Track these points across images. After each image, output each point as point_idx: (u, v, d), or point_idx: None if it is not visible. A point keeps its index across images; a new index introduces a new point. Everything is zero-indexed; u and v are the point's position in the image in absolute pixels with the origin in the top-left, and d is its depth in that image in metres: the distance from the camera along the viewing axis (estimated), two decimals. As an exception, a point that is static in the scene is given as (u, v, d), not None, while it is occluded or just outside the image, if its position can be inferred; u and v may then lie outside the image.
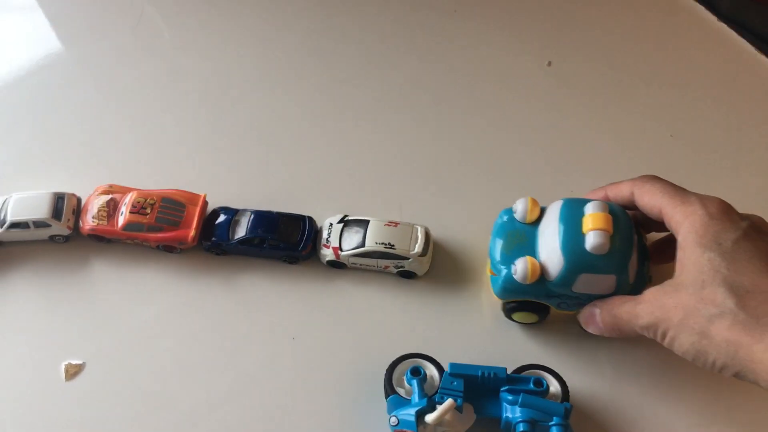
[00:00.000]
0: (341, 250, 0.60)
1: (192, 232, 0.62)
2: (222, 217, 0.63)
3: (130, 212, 0.62)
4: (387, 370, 0.54)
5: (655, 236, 0.57)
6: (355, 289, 0.62)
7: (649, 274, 0.54)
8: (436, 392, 0.51)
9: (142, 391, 0.56)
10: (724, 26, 0.82)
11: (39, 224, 0.62)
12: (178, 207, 0.63)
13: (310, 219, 0.63)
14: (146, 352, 0.58)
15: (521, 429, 0.50)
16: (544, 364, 0.54)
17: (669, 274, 0.49)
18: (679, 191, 0.51)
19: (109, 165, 0.70)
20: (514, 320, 0.58)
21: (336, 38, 0.81)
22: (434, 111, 0.74)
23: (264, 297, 0.61)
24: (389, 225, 0.61)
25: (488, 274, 0.56)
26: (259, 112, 0.74)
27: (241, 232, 0.62)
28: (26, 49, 0.80)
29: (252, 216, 0.62)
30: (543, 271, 0.52)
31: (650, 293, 0.48)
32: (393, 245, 0.59)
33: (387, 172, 0.69)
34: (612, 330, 0.51)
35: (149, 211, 0.62)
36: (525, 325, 0.59)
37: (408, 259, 0.59)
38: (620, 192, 0.54)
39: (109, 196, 0.64)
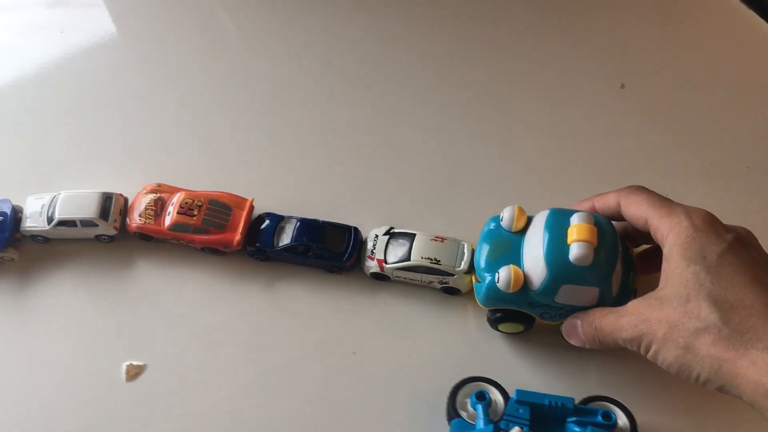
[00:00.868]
0: (386, 262, 0.61)
1: (238, 236, 0.62)
2: (267, 223, 0.63)
3: (178, 213, 0.62)
4: (450, 393, 0.53)
5: (641, 246, 0.56)
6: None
7: (635, 286, 0.54)
8: (501, 418, 0.51)
9: (199, 398, 0.57)
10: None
11: (86, 223, 0.62)
12: (225, 210, 0.63)
13: (356, 229, 0.63)
14: (203, 357, 0.59)
15: (587, 462, 0.49)
16: (612, 396, 0.53)
17: (655, 284, 0.48)
18: (665, 202, 0.51)
19: (158, 164, 0.70)
20: (500, 331, 0.58)
21: (399, 50, 0.81)
22: (495, 129, 0.74)
23: (314, 307, 0.61)
24: (435, 240, 0.61)
25: (473, 281, 0.57)
26: (313, 120, 0.75)
27: (286, 239, 0.62)
28: (87, 45, 0.81)
29: (298, 223, 0.63)
30: (526, 281, 0.52)
31: (633, 306, 0.48)
32: (439, 261, 0.59)
33: (437, 186, 0.69)
34: (593, 342, 0.51)
35: (196, 213, 0.62)
36: (592, 353, 0.57)
37: (453, 275, 0.59)
38: (607, 203, 0.54)
39: (157, 195, 0.65)
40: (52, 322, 0.60)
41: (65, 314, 0.61)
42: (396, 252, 0.61)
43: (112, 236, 0.64)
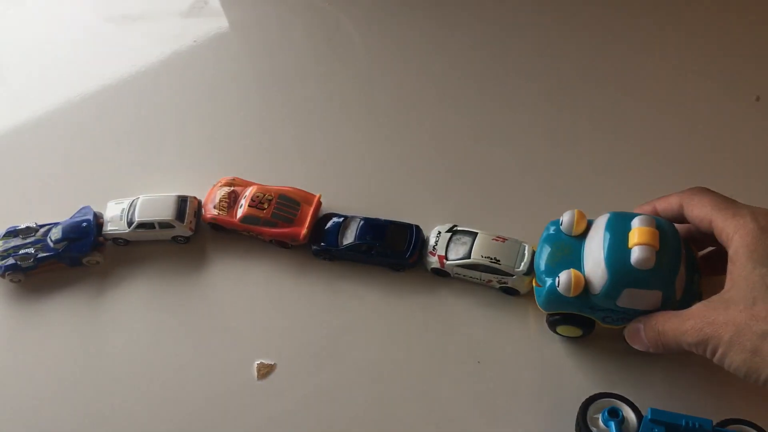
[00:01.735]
0: (446, 259, 0.62)
1: (304, 231, 0.64)
2: (332, 223, 0.65)
3: (249, 205, 0.65)
4: (581, 408, 0.53)
5: (706, 248, 0.55)
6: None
7: (699, 290, 0.53)
8: None
9: (329, 399, 0.58)
10: None
11: (164, 225, 0.66)
12: (294, 205, 0.66)
13: (418, 228, 0.65)
14: (334, 359, 0.60)
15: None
16: (753, 421, 0.51)
17: (720, 288, 0.48)
18: (729, 203, 0.50)
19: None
20: (558, 333, 0.58)
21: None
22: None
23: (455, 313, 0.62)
24: (497, 240, 0.62)
25: (533, 285, 0.57)
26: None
27: (350, 238, 0.64)
28: (212, 55, 0.85)
29: (361, 222, 0.65)
30: (587, 285, 0.52)
31: (698, 309, 0.47)
32: (498, 260, 0.60)
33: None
34: (657, 346, 0.51)
35: (266, 206, 0.65)
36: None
37: (512, 276, 0.60)
38: (669, 205, 0.53)
39: (231, 188, 0.68)
40: (176, 320, 0.63)
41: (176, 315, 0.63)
42: (457, 249, 0.62)
43: (188, 237, 0.67)
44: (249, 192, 0.67)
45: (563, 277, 0.52)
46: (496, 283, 0.61)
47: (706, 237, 0.53)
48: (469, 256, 0.61)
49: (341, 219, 0.66)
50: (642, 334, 0.52)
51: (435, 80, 0.80)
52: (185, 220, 0.66)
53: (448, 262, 0.62)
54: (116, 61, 0.84)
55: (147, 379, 0.60)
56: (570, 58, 0.81)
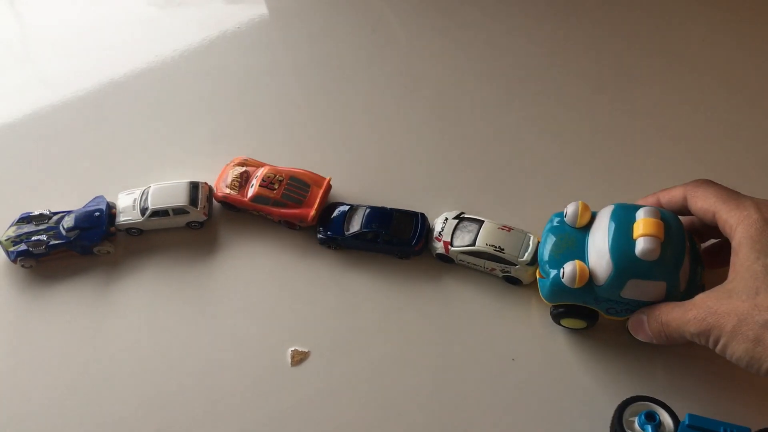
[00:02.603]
0: (451, 245, 0.62)
1: (312, 212, 0.65)
2: (338, 212, 0.66)
3: (260, 185, 0.66)
4: (617, 410, 0.53)
5: (709, 240, 0.55)
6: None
7: (702, 281, 0.53)
8: None
9: (361, 388, 0.58)
10: None
11: (178, 211, 0.66)
12: (304, 186, 0.67)
13: (423, 216, 0.65)
14: (362, 349, 0.60)
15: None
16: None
17: (724, 280, 0.48)
18: (733, 195, 0.50)
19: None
20: (562, 326, 0.58)
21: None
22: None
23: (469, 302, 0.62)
24: (502, 229, 0.62)
25: (537, 276, 0.57)
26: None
27: (355, 226, 0.64)
28: (248, 42, 0.86)
29: (367, 211, 0.65)
30: (592, 276, 0.52)
31: (701, 299, 0.48)
32: (503, 249, 0.60)
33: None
34: (660, 337, 0.51)
35: (276, 187, 0.66)
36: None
37: (515, 265, 0.60)
38: (673, 197, 0.53)
39: (243, 168, 0.69)
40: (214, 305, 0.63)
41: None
42: (463, 237, 0.62)
43: (202, 222, 0.67)
44: (261, 172, 0.68)
45: (568, 268, 0.52)
46: (499, 271, 0.62)
47: (709, 229, 0.53)
48: (474, 244, 0.61)
49: (347, 208, 0.66)
50: (645, 325, 0.52)
51: (455, 74, 0.80)
52: (198, 205, 0.67)
53: (452, 249, 0.62)
54: (157, 45, 0.84)
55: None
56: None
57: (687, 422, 0.49)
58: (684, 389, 0.56)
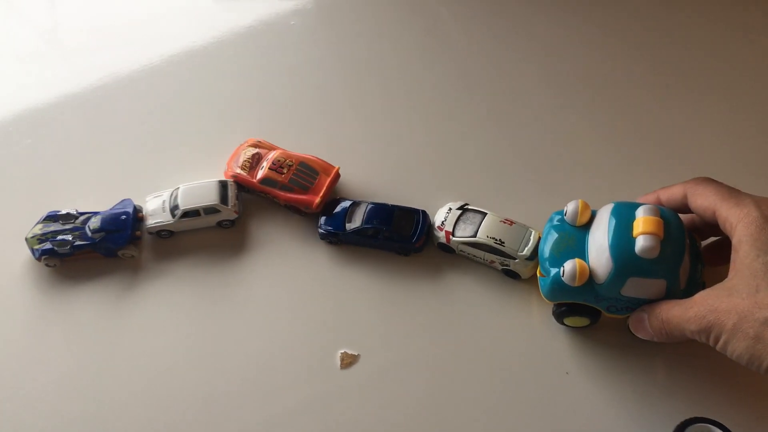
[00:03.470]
0: (453, 235, 0.63)
1: (317, 200, 0.66)
2: (340, 208, 0.66)
3: (269, 168, 0.67)
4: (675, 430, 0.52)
5: (709, 238, 0.55)
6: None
7: (702, 279, 0.53)
8: None
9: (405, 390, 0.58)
10: None
11: (209, 210, 0.66)
12: (312, 173, 0.68)
13: (424, 213, 0.65)
14: (412, 354, 0.60)
15: None
16: None
17: (724, 278, 0.48)
18: (733, 192, 0.50)
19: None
20: (565, 325, 0.58)
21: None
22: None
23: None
24: (504, 222, 0.62)
25: (537, 275, 0.57)
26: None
27: (357, 222, 0.64)
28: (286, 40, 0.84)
29: (368, 207, 0.65)
30: (592, 274, 0.52)
31: (701, 297, 0.48)
32: (503, 242, 0.61)
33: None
34: (661, 335, 0.51)
35: (285, 171, 0.67)
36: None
37: (515, 259, 0.60)
38: (673, 195, 0.53)
39: (256, 150, 0.69)
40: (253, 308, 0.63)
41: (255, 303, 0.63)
42: (465, 228, 0.63)
43: (233, 220, 0.67)
44: (272, 155, 0.68)
45: (568, 266, 0.52)
46: (498, 264, 0.62)
47: (709, 227, 0.53)
48: (475, 235, 0.62)
49: (349, 204, 0.66)
50: (646, 323, 0.52)
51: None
52: (229, 203, 0.66)
53: (453, 239, 0.63)
54: (206, 35, 0.84)
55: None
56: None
57: None
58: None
